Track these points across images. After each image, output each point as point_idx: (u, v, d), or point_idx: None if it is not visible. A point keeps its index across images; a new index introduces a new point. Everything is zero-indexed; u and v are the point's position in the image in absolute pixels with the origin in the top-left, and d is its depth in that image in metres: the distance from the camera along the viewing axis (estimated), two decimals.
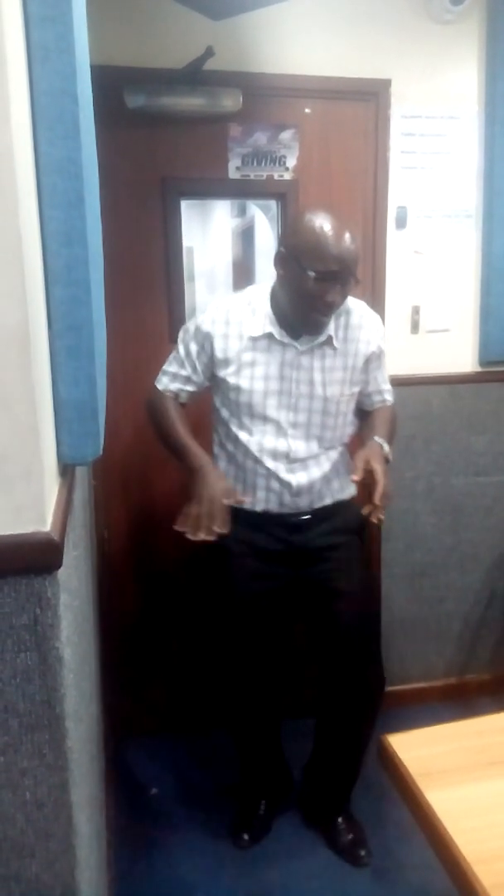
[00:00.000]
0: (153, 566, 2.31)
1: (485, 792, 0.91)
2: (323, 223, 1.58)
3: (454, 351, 2.34)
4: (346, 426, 1.81)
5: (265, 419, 1.72)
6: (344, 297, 1.63)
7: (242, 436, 1.74)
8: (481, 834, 0.84)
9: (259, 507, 1.76)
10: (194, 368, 1.75)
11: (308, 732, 1.98)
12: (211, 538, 1.61)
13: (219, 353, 1.71)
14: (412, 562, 2.46)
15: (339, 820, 1.97)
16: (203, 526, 1.61)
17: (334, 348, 1.71)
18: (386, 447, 1.71)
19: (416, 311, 2.28)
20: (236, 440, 1.75)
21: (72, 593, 0.99)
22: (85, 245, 0.91)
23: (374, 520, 1.61)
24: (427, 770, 0.94)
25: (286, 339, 1.68)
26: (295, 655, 2.05)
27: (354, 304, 1.76)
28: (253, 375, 1.70)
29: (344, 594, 1.79)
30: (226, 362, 1.71)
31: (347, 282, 1.60)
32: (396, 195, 2.22)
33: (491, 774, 0.94)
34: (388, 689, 1.95)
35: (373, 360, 1.78)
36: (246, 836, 1.97)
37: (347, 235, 1.57)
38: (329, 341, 1.70)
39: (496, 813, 0.88)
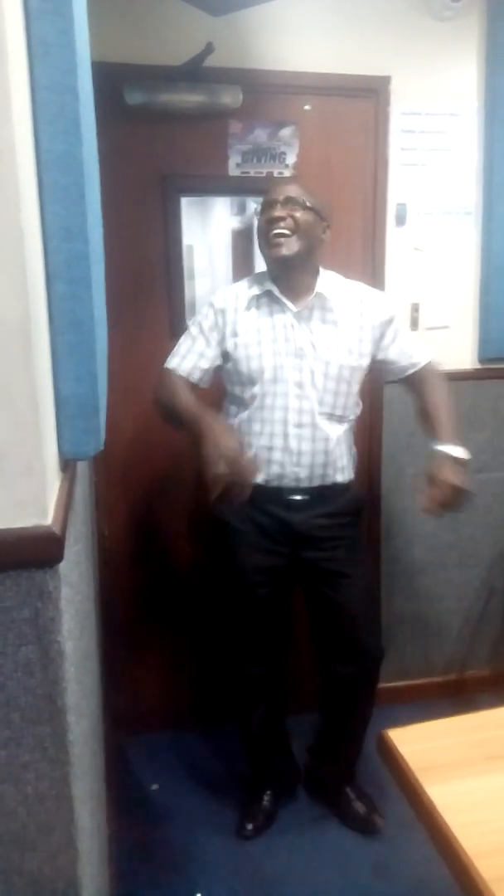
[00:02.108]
0: (153, 562, 2.31)
1: (485, 786, 0.91)
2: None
3: (454, 348, 2.34)
4: (351, 397, 1.80)
5: (275, 380, 1.74)
6: (297, 220, 1.68)
7: (248, 401, 1.76)
8: (481, 828, 0.84)
9: (259, 478, 1.75)
10: (208, 342, 1.78)
11: (311, 729, 1.98)
12: (248, 489, 1.57)
13: (231, 324, 1.77)
14: (412, 559, 2.47)
15: (349, 790, 2.00)
16: (236, 483, 1.55)
17: (333, 314, 1.75)
18: (456, 451, 1.67)
19: (415, 307, 2.29)
20: (246, 406, 1.77)
21: (73, 587, 1.00)
22: (86, 241, 0.91)
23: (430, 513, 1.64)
24: (427, 764, 0.94)
25: (284, 299, 1.75)
26: (296, 645, 2.05)
27: (354, 285, 1.83)
28: (261, 340, 1.75)
29: (343, 574, 1.82)
30: (236, 332, 1.76)
31: (286, 201, 1.68)
32: (396, 192, 2.22)
33: (491, 768, 0.94)
34: (388, 684, 1.96)
35: (386, 333, 1.81)
36: (250, 826, 1.98)
37: (290, 176, 1.73)
38: (324, 304, 1.75)
39: (496, 807, 0.88)
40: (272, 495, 1.79)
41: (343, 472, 1.83)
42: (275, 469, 1.78)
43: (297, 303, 1.76)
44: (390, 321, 1.82)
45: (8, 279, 0.74)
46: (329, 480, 1.81)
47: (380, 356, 1.82)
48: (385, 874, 1.85)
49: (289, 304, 1.75)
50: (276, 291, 1.75)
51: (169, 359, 1.81)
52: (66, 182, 0.88)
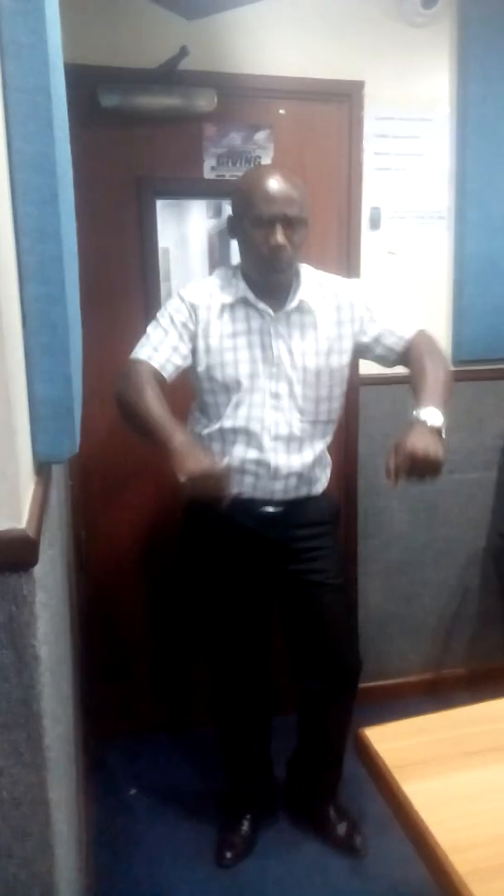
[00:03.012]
0: (131, 566, 2.30)
1: (460, 782, 0.92)
2: (256, 171, 1.55)
3: None
4: (334, 400, 1.72)
5: (251, 390, 1.64)
6: (294, 242, 1.56)
7: (222, 410, 1.66)
8: (456, 823, 0.85)
9: (232, 490, 1.68)
10: (181, 336, 1.64)
11: (288, 730, 1.98)
12: (224, 502, 1.45)
13: (203, 324, 1.64)
14: (388, 558, 2.48)
15: (331, 811, 1.96)
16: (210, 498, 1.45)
17: (312, 316, 1.65)
18: (432, 419, 1.46)
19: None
20: (218, 417, 1.67)
21: (48, 591, 0.99)
22: (59, 242, 0.91)
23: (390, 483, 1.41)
24: (403, 762, 0.95)
25: (260, 305, 1.63)
26: (275, 651, 2.05)
27: (327, 279, 1.72)
28: (236, 345, 1.64)
29: (321, 585, 1.78)
30: (209, 333, 1.64)
31: (289, 225, 1.54)
32: (370, 196, 2.24)
33: (466, 765, 0.95)
34: (365, 684, 1.96)
35: (363, 317, 1.69)
36: (229, 855, 1.91)
37: (279, 177, 1.54)
38: (304, 308, 1.65)
39: (471, 802, 0.89)
40: (244, 508, 1.69)
41: (319, 482, 1.78)
42: (248, 481, 1.69)
43: (276, 307, 1.65)
44: (365, 305, 1.70)
45: None
46: (304, 493, 1.74)
47: (364, 339, 1.70)
48: (362, 872, 1.85)
49: (266, 309, 1.64)
50: (251, 298, 1.64)
51: (137, 349, 1.64)
52: (39, 182, 0.88)
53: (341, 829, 1.94)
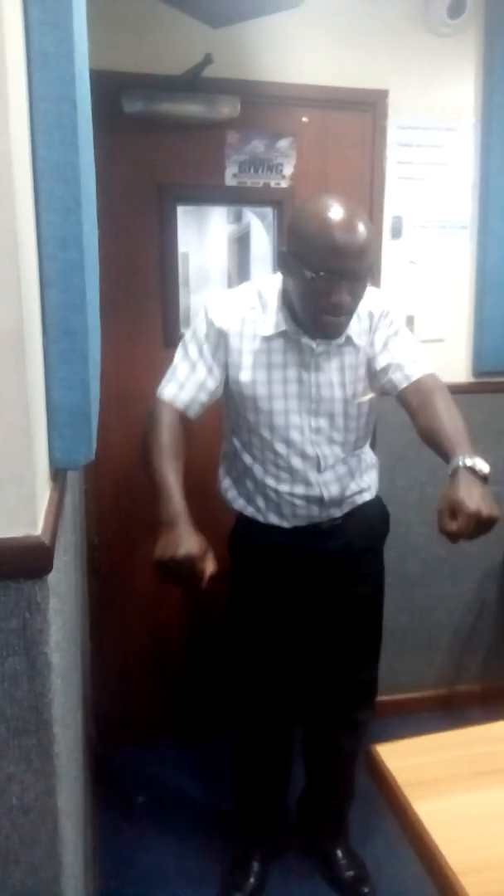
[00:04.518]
0: (143, 572, 2.30)
1: (472, 802, 0.91)
2: (320, 213, 1.37)
3: (448, 361, 2.34)
4: (370, 424, 1.65)
5: (287, 427, 1.55)
6: (356, 297, 1.43)
7: (259, 450, 1.58)
8: (468, 844, 0.83)
9: (286, 525, 1.63)
10: (210, 370, 1.53)
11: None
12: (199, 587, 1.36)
13: (234, 354, 1.53)
14: (404, 572, 2.46)
15: (339, 854, 1.89)
16: (178, 583, 1.37)
17: (354, 346, 1.54)
18: (479, 465, 1.33)
19: (410, 320, 2.29)
20: (253, 454, 1.60)
21: (61, 598, 0.99)
22: (81, 250, 0.91)
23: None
24: (415, 780, 0.94)
25: (303, 339, 1.50)
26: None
27: (367, 297, 1.57)
28: (270, 379, 1.53)
29: (357, 603, 1.71)
30: (241, 365, 1.53)
31: (356, 278, 1.40)
32: (392, 205, 2.23)
33: (479, 785, 0.94)
34: (378, 698, 1.94)
35: (382, 340, 1.56)
36: None
37: (350, 225, 1.36)
38: (349, 341, 1.53)
39: (483, 824, 0.88)
40: (305, 530, 1.63)
41: (370, 488, 1.70)
42: (301, 513, 1.61)
43: (318, 340, 1.51)
44: (390, 325, 1.57)
45: (2, 287, 0.74)
46: (359, 502, 1.67)
47: (372, 367, 1.59)
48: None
49: (309, 343, 1.51)
50: (292, 333, 1.51)
51: (163, 384, 1.55)
52: (63, 191, 0.88)
53: (349, 875, 1.86)
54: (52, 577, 0.83)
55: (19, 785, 0.84)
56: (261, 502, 1.63)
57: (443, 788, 0.93)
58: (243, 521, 1.68)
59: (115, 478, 2.22)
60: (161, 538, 1.34)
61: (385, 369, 1.55)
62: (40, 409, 0.89)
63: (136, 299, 2.14)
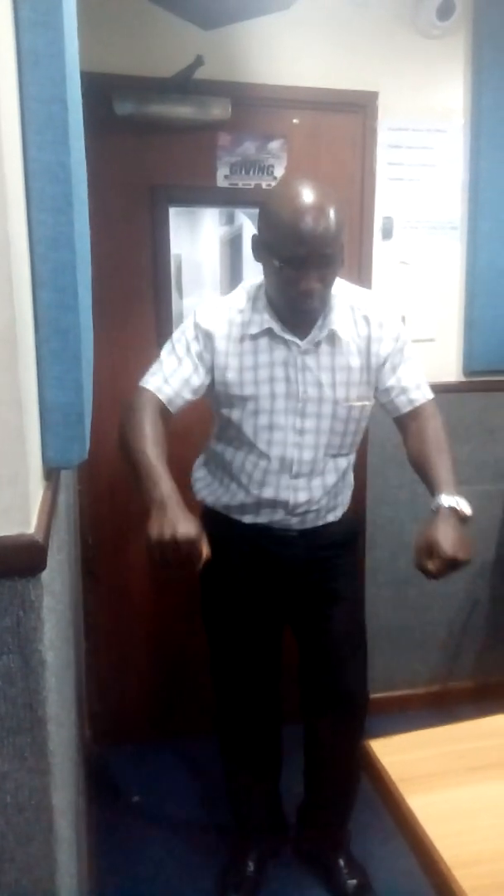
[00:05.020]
0: (137, 571, 2.30)
1: (465, 796, 0.92)
2: (286, 199, 1.35)
3: (439, 360, 2.36)
4: (359, 433, 1.63)
5: (271, 427, 1.54)
6: (325, 283, 1.42)
7: (244, 446, 1.57)
8: (461, 838, 0.84)
9: (247, 520, 1.63)
10: (195, 368, 1.51)
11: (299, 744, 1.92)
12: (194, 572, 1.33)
13: (220, 356, 1.52)
14: (396, 570, 2.47)
15: (341, 862, 1.85)
16: (175, 566, 1.30)
17: (342, 345, 1.52)
18: (462, 506, 1.39)
19: (401, 320, 2.30)
20: (235, 450, 1.60)
21: (55, 597, 0.99)
22: (73, 250, 0.92)
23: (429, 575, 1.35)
24: (408, 775, 0.95)
25: (287, 336, 1.50)
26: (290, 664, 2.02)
27: (360, 298, 1.57)
28: (257, 379, 1.52)
29: (335, 599, 1.70)
30: (227, 366, 1.52)
31: (324, 265, 1.38)
32: (383, 206, 2.24)
33: (471, 779, 0.95)
34: (372, 695, 1.95)
35: (390, 359, 1.57)
36: None
37: (315, 211, 1.33)
38: (334, 337, 1.51)
39: (476, 817, 0.88)
40: (260, 531, 1.63)
41: (341, 506, 1.68)
42: (264, 515, 1.60)
43: (303, 335, 1.51)
44: (392, 350, 1.56)
45: None
46: (323, 521, 1.65)
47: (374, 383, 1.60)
48: None
49: (293, 339, 1.50)
50: (277, 329, 1.50)
51: (147, 376, 1.53)
52: (54, 191, 0.88)
53: (351, 884, 1.82)
54: (45, 576, 0.83)
55: (14, 783, 0.84)
56: (227, 496, 1.63)
57: (436, 783, 0.94)
58: (207, 514, 1.65)
59: (110, 478, 2.22)
60: (154, 518, 1.27)
61: (389, 390, 1.58)
62: (33, 408, 0.89)
63: (129, 300, 2.14)
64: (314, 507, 1.61)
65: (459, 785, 0.94)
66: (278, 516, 1.61)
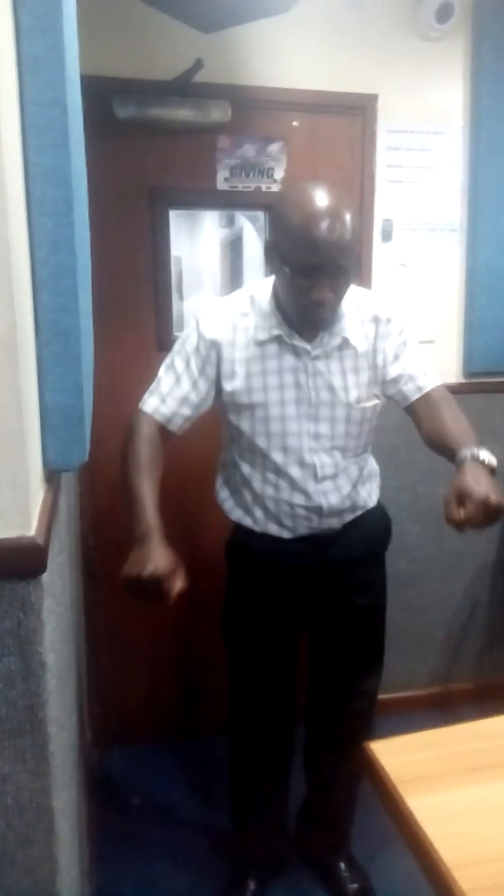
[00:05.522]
0: None
1: (465, 797, 0.92)
2: (300, 205, 1.32)
3: (439, 362, 2.32)
4: (371, 432, 1.62)
5: (284, 434, 1.51)
6: (338, 293, 1.39)
7: (258, 458, 1.54)
8: (461, 839, 0.84)
9: (286, 535, 1.59)
10: (194, 384, 1.49)
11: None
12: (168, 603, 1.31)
13: (227, 364, 1.48)
14: (396, 571, 2.46)
15: (342, 866, 1.84)
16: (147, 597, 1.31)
17: (353, 349, 1.50)
18: (489, 457, 1.33)
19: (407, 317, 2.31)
20: (251, 463, 1.56)
21: (56, 599, 1.00)
22: (73, 253, 0.92)
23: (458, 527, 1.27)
24: (408, 776, 0.95)
25: (297, 342, 1.47)
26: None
27: (364, 299, 1.55)
28: (266, 386, 1.48)
29: (357, 613, 1.68)
30: (234, 374, 1.49)
31: (337, 275, 1.35)
32: (382, 208, 2.24)
33: (471, 780, 0.95)
34: None
35: (394, 350, 1.54)
36: None
37: (330, 219, 1.30)
38: (346, 343, 1.49)
39: (476, 818, 0.88)
40: (303, 539, 1.60)
41: (371, 496, 1.66)
42: (302, 524, 1.57)
43: (314, 342, 1.48)
44: (397, 342, 1.54)
45: None
46: (360, 512, 1.63)
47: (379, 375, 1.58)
48: None
49: (303, 345, 1.47)
50: (286, 336, 1.47)
51: (147, 395, 1.52)
52: (54, 195, 0.89)
53: (353, 888, 1.81)
54: (46, 578, 0.83)
55: (14, 785, 0.84)
56: (258, 513, 1.59)
57: (436, 784, 0.94)
58: (241, 531, 1.64)
59: (110, 481, 2.20)
60: (131, 555, 1.31)
61: (396, 380, 1.54)
62: (33, 410, 0.90)
63: (130, 303, 2.14)
64: (348, 506, 1.59)
65: (460, 786, 0.94)
66: (316, 523, 1.57)
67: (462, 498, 1.24)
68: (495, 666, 2.59)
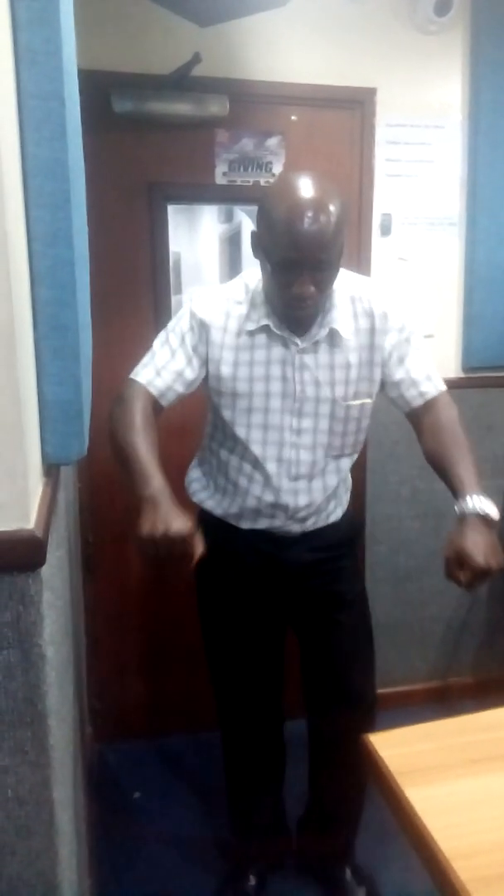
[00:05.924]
0: (137, 568, 2.31)
1: (463, 789, 0.92)
2: (283, 197, 1.29)
3: (438, 356, 2.32)
4: (361, 432, 1.56)
5: (265, 426, 1.48)
6: (321, 288, 1.35)
7: (238, 447, 1.51)
8: (460, 830, 0.85)
9: (245, 526, 1.57)
10: (189, 361, 1.46)
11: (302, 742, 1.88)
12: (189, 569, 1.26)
13: (215, 349, 1.45)
14: (396, 566, 2.48)
15: (347, 873, 1.77)
16: (168, 564, 1.24)
17: (343, 342, 1.46)
18: (490, 510, 1.33)
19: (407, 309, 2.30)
20: (230, 451, 1.53)
21: (55, 592, 1.00)
22: (71, 246, 0.92)
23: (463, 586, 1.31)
24: (407, 768, 0.95)
25: (285, 333, 1.44)
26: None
27: (362, 289, 1.50)
28: (252, 376, 1.45)
29: (339, 601, 1.65)
30: (221, 360, 1.46)
31: (318, 269, 1.31)
32: (381, 202, 2.24)
33: (470, 772, 0.95)
34: None
35: (396, 350, 1.49)
36: None
37: (312, 212, 1.26)
38: (334, 335, 1.45)
39: (474, 809, 0.89)
40: (259, 535, 1.57)
41: (340, 507, 1.63)
42: (263, 522, 1.54)
43: (301, 332, 1.45)
44: (400, 341, 1.49)
45: None
46: (324, 523, 1.59)
47: (384, 378, 1.53)
48: None
49: (291, 337, 1.44)
50: (274, 327, 1.44)
51: (140, 367, 1.48)
52: (52, 188, 0.89)
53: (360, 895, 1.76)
54: (45, 571, 0.83)
55: (14, 777, 0.85)
56: (223, 500, 1.57)
57: (435, 776, 0.94)
58: (203, 517, 1.59)
59: (109, 476, 2.21)
60: (146, 515, 1.21)
61: (398, 384, 1.50)
62: (32, 404, 0.90)
63: (128, 298, 2.14)
64: (314, 511, 1.56)
65: (458, 777, 0.94)
66: (278, 522, 1.54)
67: (461, 561, 1.27)
68: (494, 661, 2.59)
